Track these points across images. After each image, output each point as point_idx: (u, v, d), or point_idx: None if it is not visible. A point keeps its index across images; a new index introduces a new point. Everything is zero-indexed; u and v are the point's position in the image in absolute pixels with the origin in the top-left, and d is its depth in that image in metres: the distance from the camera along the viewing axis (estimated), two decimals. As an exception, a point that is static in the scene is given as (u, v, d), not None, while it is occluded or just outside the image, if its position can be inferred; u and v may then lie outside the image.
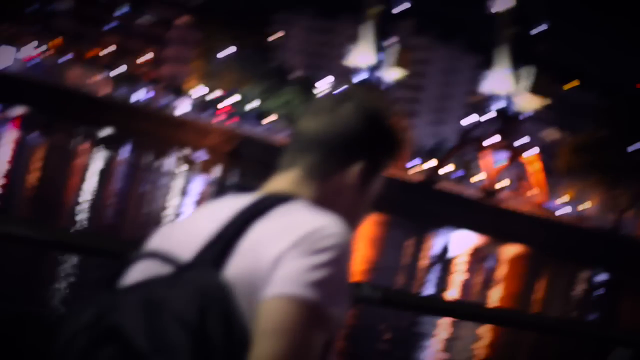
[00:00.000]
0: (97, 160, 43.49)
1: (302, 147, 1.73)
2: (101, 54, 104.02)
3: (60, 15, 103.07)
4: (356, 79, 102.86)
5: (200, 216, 1.68)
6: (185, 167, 54.03)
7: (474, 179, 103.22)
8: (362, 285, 2.79)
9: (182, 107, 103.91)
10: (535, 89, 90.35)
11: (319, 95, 1.80)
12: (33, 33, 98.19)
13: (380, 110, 1.75)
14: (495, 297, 29.30)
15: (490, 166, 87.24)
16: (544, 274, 46.01)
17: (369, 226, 39.27)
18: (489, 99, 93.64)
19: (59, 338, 1.53)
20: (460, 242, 51.49)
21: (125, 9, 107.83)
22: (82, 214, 23.96)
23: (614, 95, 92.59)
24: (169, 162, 55.88)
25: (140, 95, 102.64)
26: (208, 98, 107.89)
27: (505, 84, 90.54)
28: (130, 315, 1.47)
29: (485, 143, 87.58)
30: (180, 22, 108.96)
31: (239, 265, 1.54)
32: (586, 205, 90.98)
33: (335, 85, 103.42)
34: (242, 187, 1.69)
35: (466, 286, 30.49)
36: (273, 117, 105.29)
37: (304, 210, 1.62)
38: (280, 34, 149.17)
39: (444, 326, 18.70)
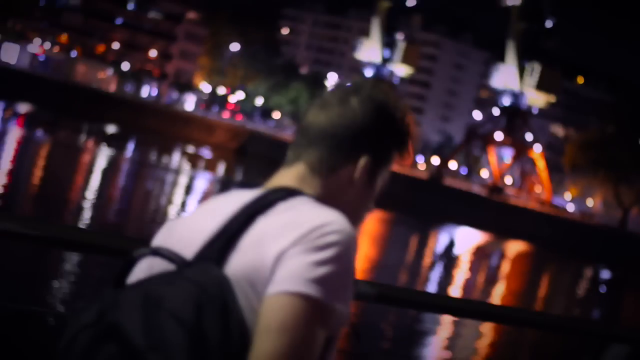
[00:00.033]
0: (103, 157, 43.47)
1: (308, 141, 1.72)
2: (109, 50, 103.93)
3: (68, 11, 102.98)
4: (364, 75, 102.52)
5: (204, 212, 1.68)
6: (191, 164, 53.89)
7: (480, 176, 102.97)
8: (358, 282, 2.66)
9: (189, 104, 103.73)
10: (543, 85, 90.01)
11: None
12: (40, 29, 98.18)
13: (388, 102, 1.74)
14: (499, 293, 29.27)
15: (496, 163, 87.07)
16: (549, 270, 45.93)
17: (373, 223, 39.23)
18: (496, 95, 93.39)
19: (63, 336, 1.54)
20: (465, 239, 51.38)
21: (132, 5, 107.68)
22: (87, 211, 24.03)
23: (620, 92, 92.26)
24: (175, 158, 55.81)
25: (147, 91, 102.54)
26: (215, 94, 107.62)
27: (513, 80, 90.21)
28: (129, 312, 1.47)
29: (492, 140, 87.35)
30: (188, 18, 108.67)
31: (241, 261, 1.54)
32: (591, 202, 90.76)
33: (344, 82, 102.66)
34: (247, 183, 1.72)
35: (470, 283, 30.46)
36: (280, 114, 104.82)
37: (307, 206, 1.61)
38: (288, 29, 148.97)
39: (446, 324, 18.70)
